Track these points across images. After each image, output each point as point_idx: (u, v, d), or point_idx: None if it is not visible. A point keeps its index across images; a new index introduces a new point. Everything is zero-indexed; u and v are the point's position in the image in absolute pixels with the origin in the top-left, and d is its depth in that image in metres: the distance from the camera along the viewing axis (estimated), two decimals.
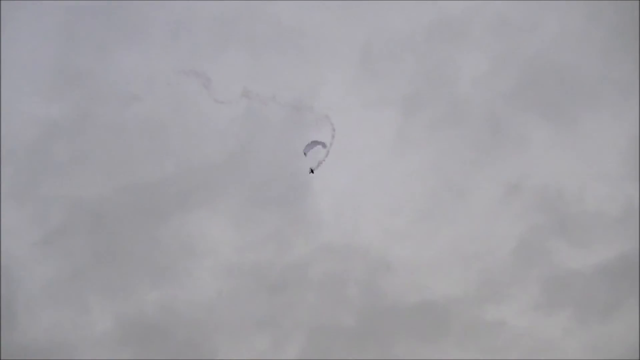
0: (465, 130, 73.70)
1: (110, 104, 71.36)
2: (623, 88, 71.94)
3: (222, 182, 69.49)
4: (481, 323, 67.99)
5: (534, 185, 72.10)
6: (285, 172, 70.26)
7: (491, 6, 74.14)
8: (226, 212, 69.16)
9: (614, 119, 71.89)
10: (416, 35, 73.66)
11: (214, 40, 72.53)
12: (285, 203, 70.07)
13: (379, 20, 73.27)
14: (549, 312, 68.44)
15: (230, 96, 70.36)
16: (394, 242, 70.32)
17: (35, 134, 70.30)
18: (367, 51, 73.37)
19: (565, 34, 73.44)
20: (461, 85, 74.15)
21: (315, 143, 57.16)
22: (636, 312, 65.86)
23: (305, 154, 57.17)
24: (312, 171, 58.14)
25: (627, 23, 71.94)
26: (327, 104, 72.09)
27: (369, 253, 69.74)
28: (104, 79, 71.74)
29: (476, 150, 73.24)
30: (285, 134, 71.02)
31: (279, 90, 71.23)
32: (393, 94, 73.59)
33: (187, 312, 65.75)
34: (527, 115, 73.86)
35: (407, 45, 73.70)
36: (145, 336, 65.97)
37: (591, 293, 68.28)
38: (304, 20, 71.61)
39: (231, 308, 66.95)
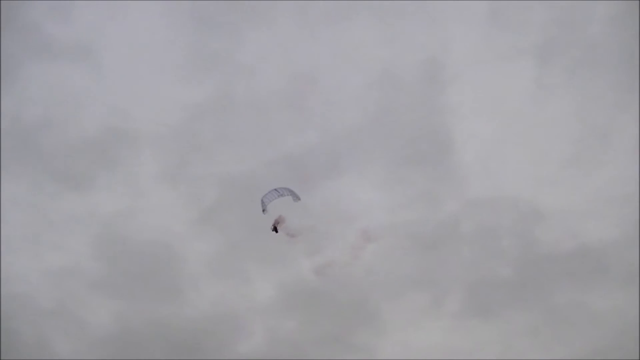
0: (604, 72, 71.99)
1: (247, 81, 73.22)
2: None
3: (365, 146, 70.15)
4: None
5: None
6: (427, 129, 70.35)
7: None
8: (373, 174, 69.77)
9: None
10: None
11: (340, 11, 73.30)
12: (430, 160, 70.16)
13: None
14: None
15: (364, 63, 71.43)
16: (543, 190, 69.45)
17: (180, 117, 72.87)
18: (494, 2, 72.56)
19: None
20: (594, 27, 72.39)
21: (277, 192, 48.50)
22: None
23: (264, 210, 48.74)
24: (275, 230, 51.95)
25: None
26: (460, 59, 72.50)
27: (519, 202, 69.06)
28: (238, 58, 73.68)
29: (618, 91, 71.40)
30: (422, 92, 71.12)
31: (411, 51, 72.12)
32: (525, 43, 72.65)
33: (345, 274, 66.67)
34: None
35: None
36: (307, 301, 67.45)
37: None
38: None
39: (388, 268, 67.55)
